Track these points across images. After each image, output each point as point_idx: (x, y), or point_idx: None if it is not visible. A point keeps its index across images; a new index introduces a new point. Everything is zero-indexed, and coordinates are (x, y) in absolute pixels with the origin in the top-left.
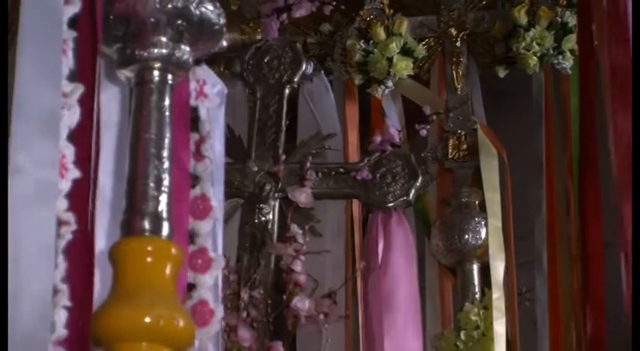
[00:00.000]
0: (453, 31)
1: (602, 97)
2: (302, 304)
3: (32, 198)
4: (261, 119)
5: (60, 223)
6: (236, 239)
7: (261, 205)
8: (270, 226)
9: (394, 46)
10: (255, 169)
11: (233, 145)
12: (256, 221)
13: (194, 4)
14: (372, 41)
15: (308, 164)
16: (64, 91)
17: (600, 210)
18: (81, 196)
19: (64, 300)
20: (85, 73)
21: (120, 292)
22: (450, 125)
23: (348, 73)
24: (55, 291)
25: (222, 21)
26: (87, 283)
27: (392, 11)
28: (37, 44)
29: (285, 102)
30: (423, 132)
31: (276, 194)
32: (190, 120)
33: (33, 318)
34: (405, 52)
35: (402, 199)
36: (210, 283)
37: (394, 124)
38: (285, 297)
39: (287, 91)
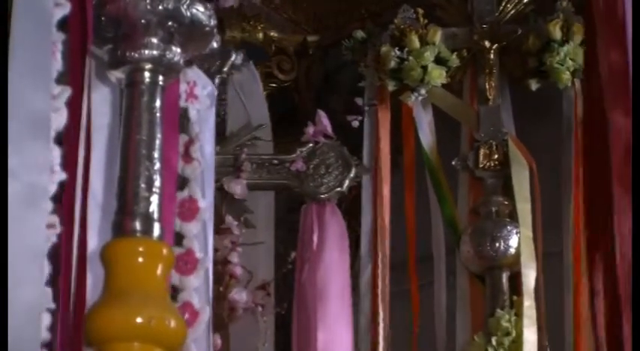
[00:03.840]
0: (486, 43)
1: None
2: (239, 296)
3: (23, 202)
4: None
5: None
6: None
7: None
8: None
9: (429, 55)
10: None
11: None
12: None
13: (185, 6)
14: (406, 49)
15: (243, 155)
16: (51, 94)
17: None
18: (68, 199)
19: (48, 302)
20: (75, 75)
21: (111, 293)
22: (482, 135)
23: (381, 79)
24: None
25: (213, 22)
26: (77, 285)
27: (426, 21)
28: (28, 47)
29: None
30: (355, 123)
31: None
32: (179, 121)
33: (25, 322)
34: (439, 61)
35: (335, 190)
36: (195, 285)
37: (428, 131)
38: (221, 289)
39: (216, 81)
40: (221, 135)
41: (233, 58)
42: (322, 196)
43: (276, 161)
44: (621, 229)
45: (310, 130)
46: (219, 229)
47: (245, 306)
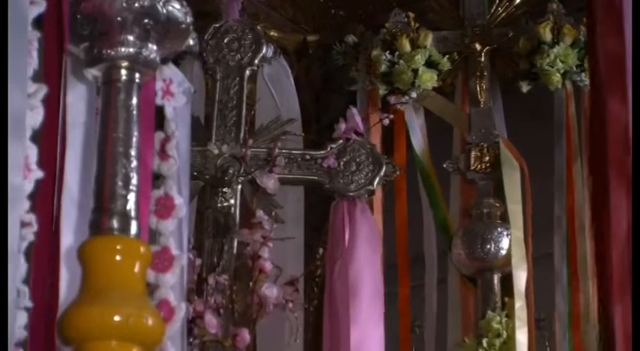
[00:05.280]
0: (477, 46)
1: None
2: (270, 291)
3: None
4: (222, 101)
5: (22, 224)
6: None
7: (224, 190)
8: (232, 211)
9: (419, 58)
10: (217, 152)
11: (192, 126)
12: (219, 205)
13: (161, 3)
14: (397, 53)
15: (277, 150)
16: (27, 92)
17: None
18: (45, 197)
19: (25, 301)
20: (50, 73)
21: (89, 291)
22: (473, 138)
23: (372, 83)
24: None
25: (189, 19)
26: (52, 284)
27: (417, 24)
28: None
29: (245, 84)
30: (386, 121)
31: (239, 178)
32: (155, 119)
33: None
34: (430, 64)
35: (365, 187)
36: (172, 282)
37: (420, 134)
38: (250, 284)
39: (247, 73)
40: (251, 128)
41: (264, 50)
42: (351, 193)
43: (308, 157)
44: (617, 224)
45: (342, 126)
46: (250, 223)
47: (276, 302)
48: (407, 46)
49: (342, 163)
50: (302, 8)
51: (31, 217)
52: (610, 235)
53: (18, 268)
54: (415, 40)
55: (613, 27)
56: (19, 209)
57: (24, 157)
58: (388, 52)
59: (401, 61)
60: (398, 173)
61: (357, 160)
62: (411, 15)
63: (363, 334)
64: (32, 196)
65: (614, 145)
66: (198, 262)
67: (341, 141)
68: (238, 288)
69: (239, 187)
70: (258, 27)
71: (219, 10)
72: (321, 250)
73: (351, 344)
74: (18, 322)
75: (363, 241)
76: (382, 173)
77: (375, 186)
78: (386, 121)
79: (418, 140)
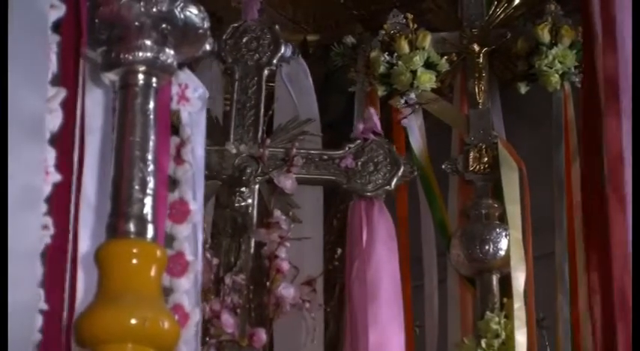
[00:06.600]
0: (476, 47)
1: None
2: (287, 291)
3: (18, 203)
4: (240, 101)
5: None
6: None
7: (241, 189)
8: (250, 211)
9: (418, 59)
10: (234, 151)
11: (210, 126)
12: (236, 205)
13: (179, 8)
14: (395, 54)
15: (294, 150)
16: (46, 95)
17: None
18: (62, 200)
19: (40, 303)
20: (68, 77)
21: (105, 294)
22: (471, 138)
23: (371, 84)
24: None
25: (207, 25)
26: (70, 287)
27: (415, 26)
28: (23, 49)
29: (264, 84)
30: (405, 121)
31: (257, 178)
32: (171, 124)
33: (17, 323)
34: (429, 65)
35: (383, 188)
36: (186, 287)
37: (419, 135)
38: (267, 283)
39: (266, 72)
40: (269, 128)
41: (282, 50)
42: (369, 193)
43: (325, 157)
44: (615, 231)
45: (359, 126)
46: (268, 223)
47: (293, 302)
48: (405, 47)
49: (359, 163)
50: (302, 8)
51: (48, 220)
52: (610, 252)
53: (35, 270)
54: (414, 41)
55: (609, 42)
56: (37, 211)
57: (43, 159)
58: (387, 53)
59: (399, 63)
60: (415, 174)
61: (375, 160)
62: (410, 16)
63: (382, 336)
64: (49, 200)
65: (610, 161)
66: (216, 261)
67: (359, 141)
68: (255, 288)
69: (257, 186)
70: (277, 26)
71: (217, 11)
72: (339, 250)
73: (370, 346)
74: (35, 325)
75: (380, 242)
76: (400, 173)
77: (393, 186)
78: (405, 121)
79: (417, 141)
